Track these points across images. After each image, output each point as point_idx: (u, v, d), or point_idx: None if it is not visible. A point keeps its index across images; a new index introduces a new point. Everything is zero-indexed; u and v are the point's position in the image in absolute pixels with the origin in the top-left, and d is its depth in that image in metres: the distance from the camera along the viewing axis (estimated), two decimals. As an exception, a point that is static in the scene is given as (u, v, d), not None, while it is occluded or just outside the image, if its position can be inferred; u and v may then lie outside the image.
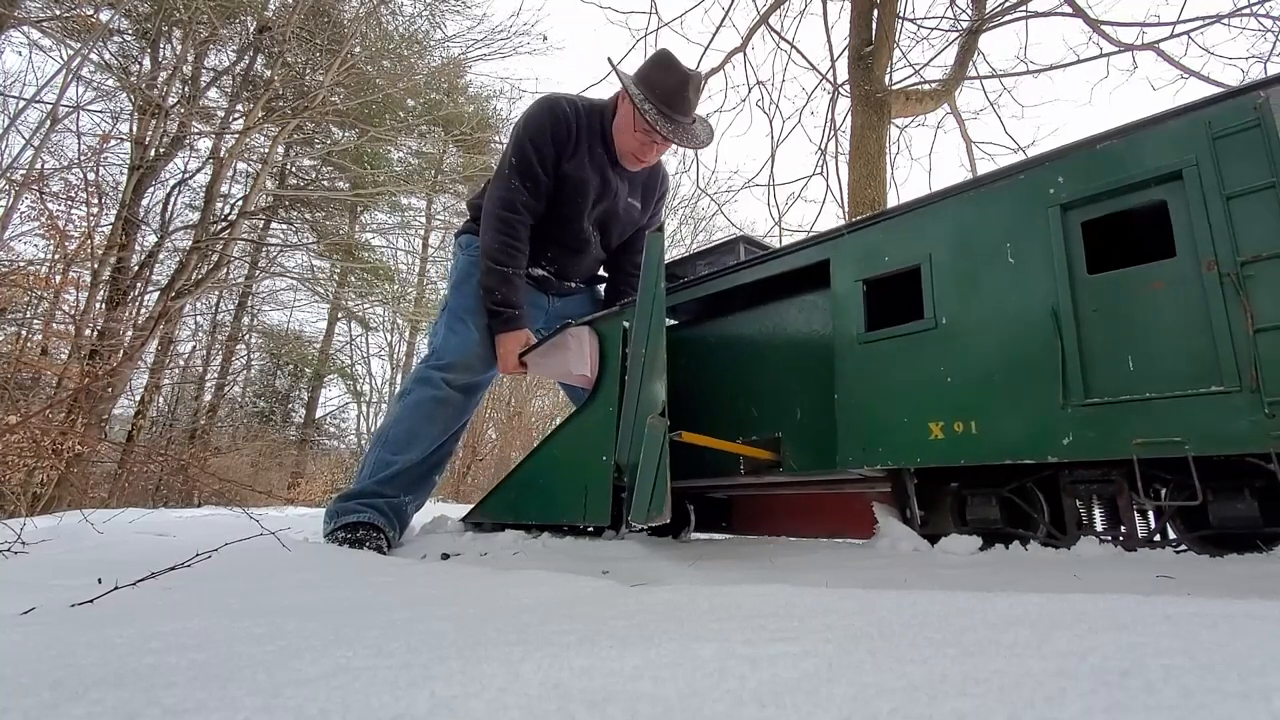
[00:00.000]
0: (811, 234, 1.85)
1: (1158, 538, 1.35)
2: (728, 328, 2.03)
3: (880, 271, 1.61)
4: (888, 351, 1.55)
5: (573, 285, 2.45)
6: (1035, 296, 1.36)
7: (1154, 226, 1.32)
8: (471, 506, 2.32)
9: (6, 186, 7.47)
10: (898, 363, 1.53)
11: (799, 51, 5.38)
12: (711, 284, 2.01)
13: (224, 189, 10.22)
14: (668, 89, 2.10)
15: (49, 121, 8.13)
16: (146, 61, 9.59)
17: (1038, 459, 1.30)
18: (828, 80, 5.27)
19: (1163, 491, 1.30)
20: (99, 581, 1.05)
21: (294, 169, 12.85)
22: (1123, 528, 1.32)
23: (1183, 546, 1.29)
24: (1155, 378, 1.21)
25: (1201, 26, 3.92)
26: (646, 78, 2.12)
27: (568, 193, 2.21)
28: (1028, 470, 1.43)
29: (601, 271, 2.56)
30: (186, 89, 9.82)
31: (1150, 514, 1.43)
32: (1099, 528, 1.38)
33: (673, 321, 2.27)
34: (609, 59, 2.21)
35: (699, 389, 2.03)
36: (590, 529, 2.20)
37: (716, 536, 2.33)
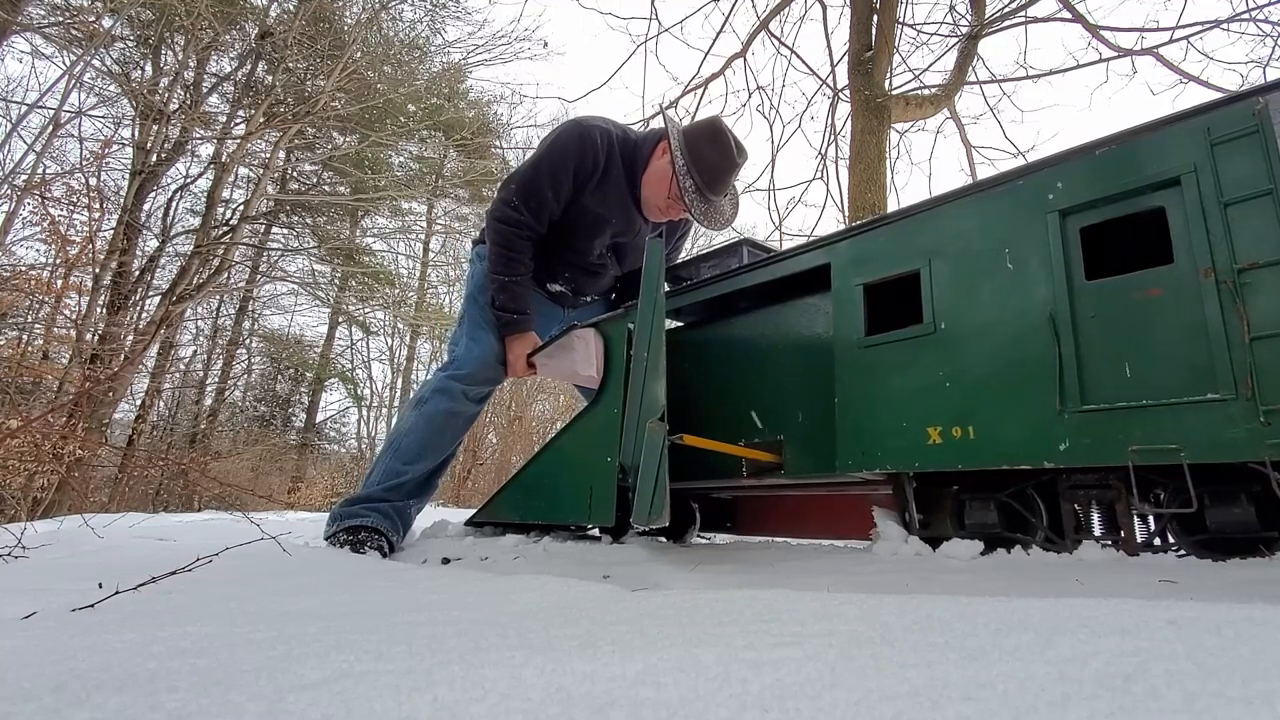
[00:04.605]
0: (813, 238, 1.85)
1: (1158, 542, 1.35)
2: (731, 330, 2.04)
3: (880, 276, 1.61)
4: (887, 356, 1.55)
5: (588, 299, 2.46)
6: (1033, 302, 1.36)
7: (1153, 233, 1.31)
8: (471, 511, 2.33)
9: (9, 191, 7.49)
10: (897, 367, 1.53)
11: (799, 57, 5.39)
12: (715, 287, 2.01)
13: (225, 194, 10.24)
14: (713, 168, 2.01)
15: (51, 127, 8.16)
16: (148, 67, 9.63)
17: (1034, 465, 1.30)
18: (828, 85, 5.28)
19: (1161, 496, 1.29)
20: (99, 586, 1.05)
21: (295, 174, 12.88)
22: (1120, 533, 1.31)
23: (1183, 551, 1.28)
24: (1152, 385, 1.20)
25: (1200, 31, 3.92)
26: (695, 146, 2.01)
27: (584, 224, 2.16)
28: (1026, 475, 1.42)
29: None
30: (188, 95, 9.86)
31: (1150, 519, 1.43)
32: (1097, 533, 1.38)
33: (677, 323, 2.28)
34: (660, 105, 2.11)
35: (703, 391, 2.04)
36: (592, 531, 2.20)
37: (718, 541, 2.33)
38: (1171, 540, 1.32)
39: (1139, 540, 1.32)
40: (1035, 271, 1.37)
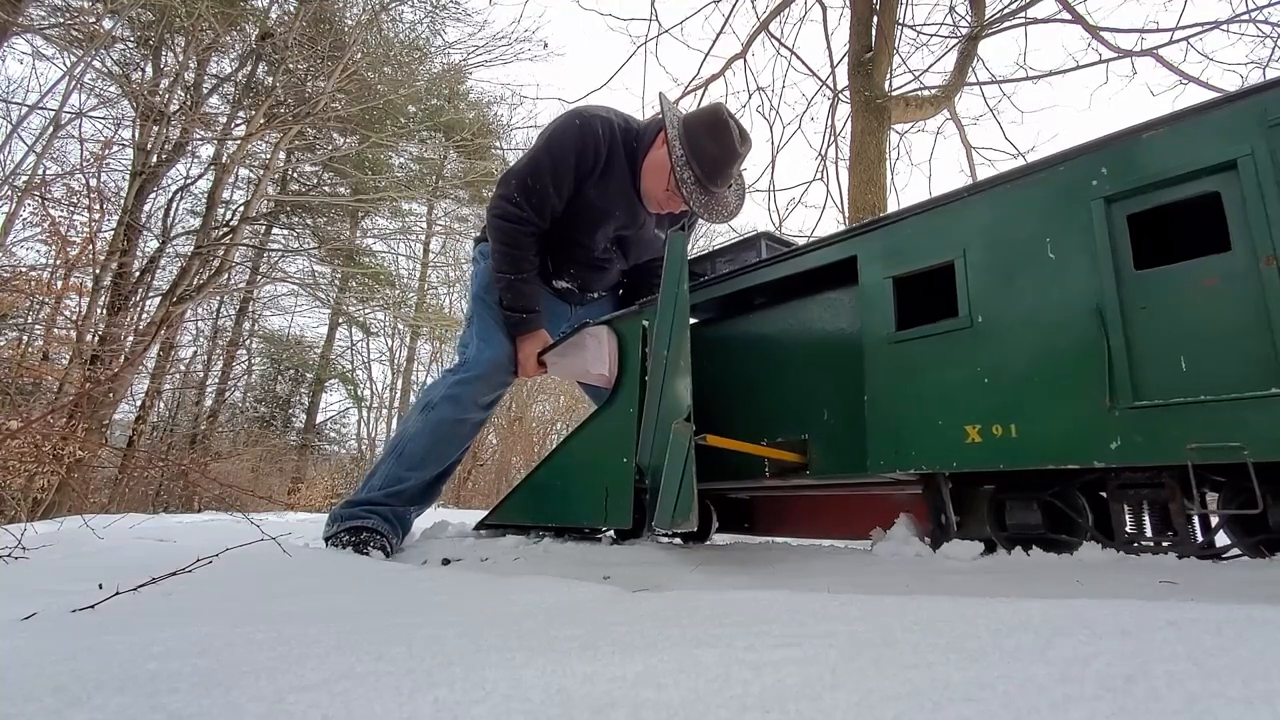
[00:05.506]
0: (839, 229, 1.77)
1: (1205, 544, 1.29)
2: (750, 326, 1.97)
3: (911, 268, 1.55)
4: (920, 351, 1.48)
5: (595, 296, 2.42)
6: (1078, 293, 1.29)
7: (1206, 219, 1.25)
8: (471, 512, 2.31)
9: (9, 192, 7.50)
10: (931, 363, 1.46)
11: (799, 58, 5.39)
12: (733, 281, 1.94)
13: (226, 195, 10.26)
14: (713, 159, 1.91)
15: (52, 128, 8.18)
16: (149, 69, 9.63)
17: (1083, 464, 1.24)
18: (828, 86, 5.29)
19: (1215, 496, 1.24)
20: (100, 587, 1.05)
21: (295, 174, 12.89)
22: (1174, 534, 1.25)
23: (1239, 552, 1.24)
24: (1210, 379, 1.14)
25: (1200, 32, 3.93)
26: (694, 136, 1.91)
27: (588, 218, 2.10)
28: (1071, 473, 1.35)
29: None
30: (188, 96, 9.86)
31: (1195, 519, 1.34)
32: (1148, 534, 1.31)
33: (692, 320, 2.24)
34: (661, 94, 2.00)
35: (721, 389, 1.98)
36: (593, 533, 2.19)
37: (719, 541, 2.33)
38: (1227, 541, 1.25)
39: (1196, 542, 1.25)
40: (1079, 261, 1.30)
